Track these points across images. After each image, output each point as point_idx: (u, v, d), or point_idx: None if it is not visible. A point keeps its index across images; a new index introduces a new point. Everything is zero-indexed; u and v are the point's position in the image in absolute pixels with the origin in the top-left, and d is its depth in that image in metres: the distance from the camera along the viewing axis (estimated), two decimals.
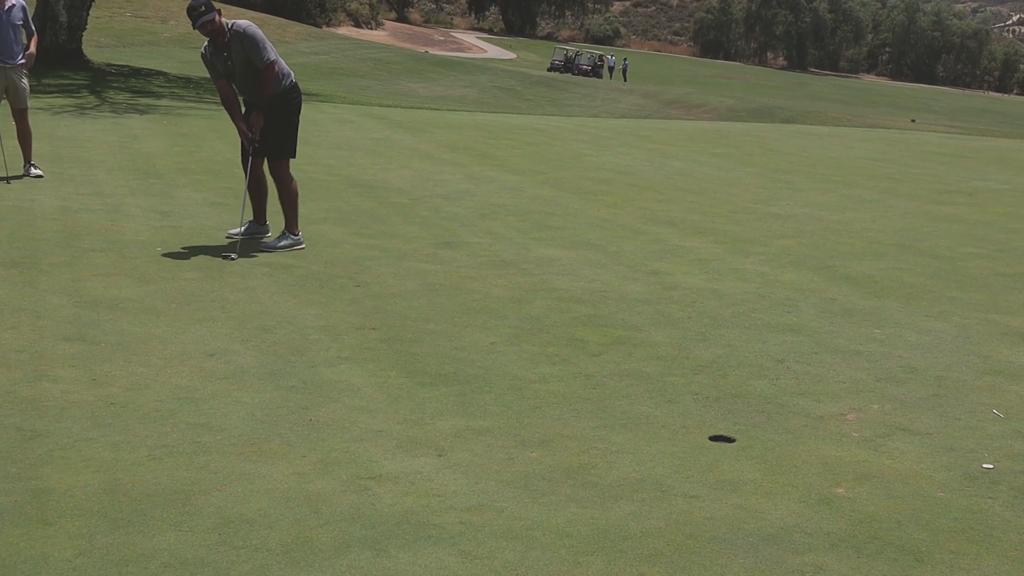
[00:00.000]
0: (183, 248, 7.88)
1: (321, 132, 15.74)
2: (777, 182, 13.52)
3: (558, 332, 6.25)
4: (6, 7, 10.09)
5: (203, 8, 7.59)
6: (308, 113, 18.95)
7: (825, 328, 6.58)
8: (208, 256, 7.66)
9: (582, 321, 6.51)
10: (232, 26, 7.79)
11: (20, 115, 10.56)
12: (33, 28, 10.69)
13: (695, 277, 7.76)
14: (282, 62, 8.11)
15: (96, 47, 32.47)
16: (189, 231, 8.50)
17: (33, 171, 10.47)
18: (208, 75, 8.14)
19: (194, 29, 7.70)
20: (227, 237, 8.28)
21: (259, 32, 7.91)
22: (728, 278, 7.81)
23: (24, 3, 10.36)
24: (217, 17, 7.69)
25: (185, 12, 7.83)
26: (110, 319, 5.98)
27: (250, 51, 7.79)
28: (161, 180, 10.87)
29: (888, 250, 9.22)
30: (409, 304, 6.67)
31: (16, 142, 10.63)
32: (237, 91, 8.06)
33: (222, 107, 8.19)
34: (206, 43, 7.91)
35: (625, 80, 66.09)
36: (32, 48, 10.47)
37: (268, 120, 8.01)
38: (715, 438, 4.69)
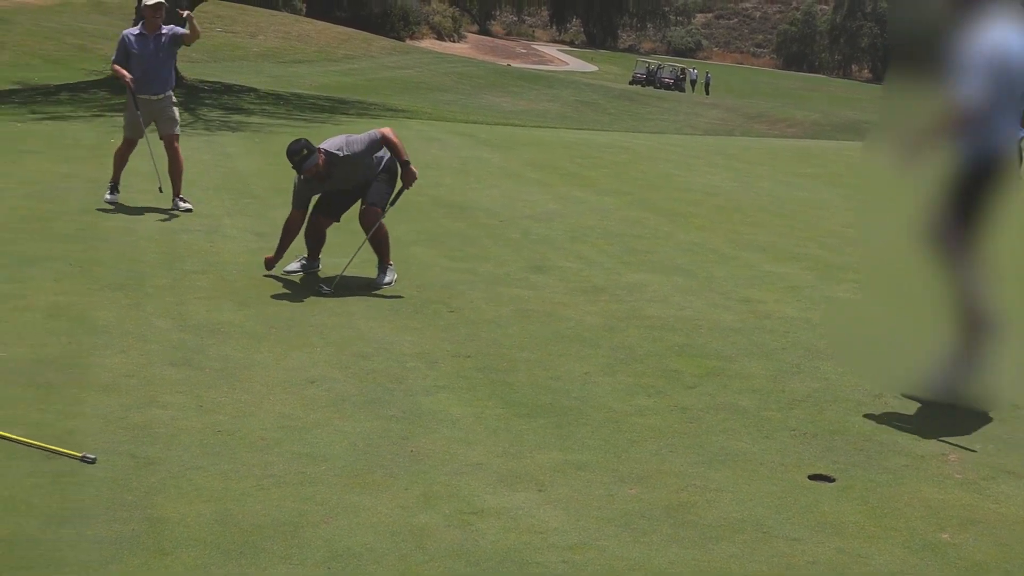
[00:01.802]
0: (280, 271, 8.03)
1: (409, 150, 15.80)
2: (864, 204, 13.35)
3: (652, 362, 6.27)
4: (157, 33, 9.82)
5: (305, 152, 7.40)
6: (395, 130, 19.20)
7: None
8: (304, 279, 7.81)
9: (676, 351, 6.52)
10: (328, 153, 7.51)
11: (170, 144, 10.20)
12: (184, 38, 10.07)
13: (788, 305, 7.71)
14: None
15: (188, 62, 33.13)
16: (287, 253, 8.65)
17: (182, 205, 10.09)
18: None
19: (299, 174, 7.55)
20: (291, 272, 7.96)
21: (352, 139, 7.70)
22: (821, 307, 7.74)
23: (177, 31, 9.95)
24: (320, 157, 7.44)
25: (287, 154, 7.51)
26: (213, 344, 6.13)
27: (362, 156, 7.65)
28: (256, 200, 11.09)
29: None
30: (503, 331, 6.73)
31: (165, 170, 10.27)
32: (339, 195, 7.91)
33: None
34: (301, 176, 7.61)
35: (708, 93, 65.69)
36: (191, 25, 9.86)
37: (372, 174, 7.87)
38: (814, 477, 4.68)
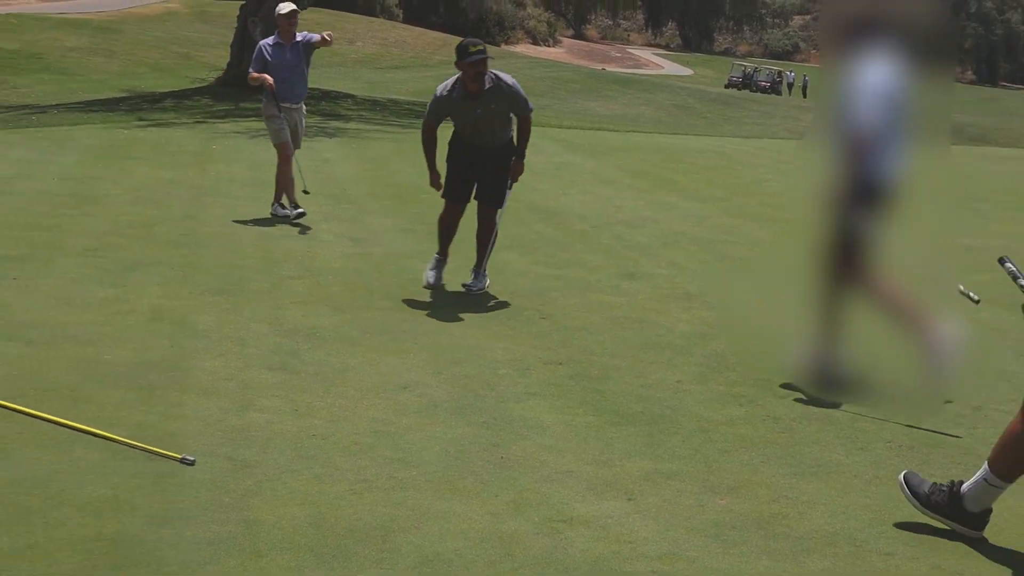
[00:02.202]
0: (374, 276, 8.15)
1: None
2: (968, 210, 13.06)
3: (744, 371, 6.21)
4: (292, 42, 9.97)
5: (482, 47, 7.45)
6: None
7: None
8: (398, 285, 7.89)
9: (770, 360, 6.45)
10: (497, 76, 7.54)
11: (288, 156, 10.18)
12: (316, 39, 10.18)
13: None
14: None
15: None
16: (380, 258, 8.79)
17: (288, 212, 10.15)
18: (428, 113, 7.71)
19: (459, 64, 7.39)
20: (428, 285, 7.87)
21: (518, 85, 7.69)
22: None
23: (311, 38, 10.09)
24: (487, 66, 7.43)
25: (458, 49, 7.47)
26: (309, 348, 6.24)
27: (516, 102, 7.60)
28: (353, 205, 11.26)
29: None
30: (595, 338, 6.74)
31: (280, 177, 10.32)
32: (470, 137, 7.76)
33: (420, 136, 7.94)
34: (449, 86, 7.57)
35: (805, 96, 64.74)
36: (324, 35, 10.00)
37: (503, 168, 7.83)
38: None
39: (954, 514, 4.15)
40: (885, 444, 5.14)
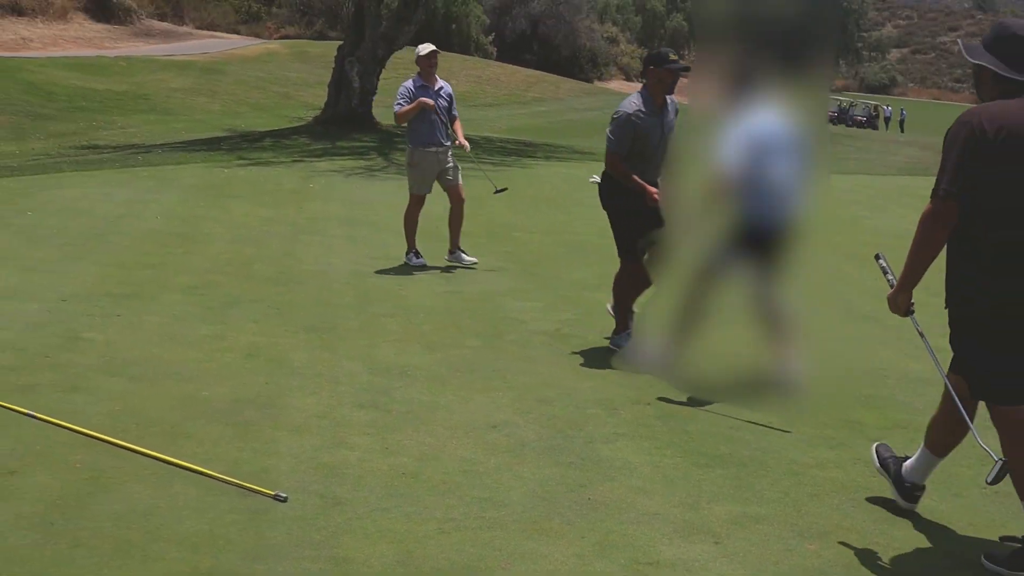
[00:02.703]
0: (465, 314, 8.24)
1: (593, 192, 16.03)
2: None
3: (835, 413, 6.15)
4: (436, 87, 9.89)
5: (678, 58, 7.03)
6: (579, 172, 19.39)
7: None
8: (489, 323, 7.97)
9: (861, 402, 6.38)
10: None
11: (457, 195, 10.13)
12: (456, 112, 10.18)
13: None
14: None
15: (383, 107, 34.31)
16: (471, 296, 8.89)
17: (465, 258, 10.09)
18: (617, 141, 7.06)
19: (656, 71, 6.98)
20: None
21: None
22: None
23: (451, 92, 10.06)
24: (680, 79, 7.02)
25: (654, 57, 7.11)
26: (400, 387, 6.34)
27: (674, 124, 7.19)
28: (444, 243, 11.37)
29: None
30: None
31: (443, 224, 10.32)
32: (644, 165, 7.11)
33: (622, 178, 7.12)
34: (637, 103, 7.05)
35: (902, 131, 63.67)
36: (460, 135, 10.02)
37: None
38: (1007, 539, 4.50)
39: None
40: (980, 490, 5.04)
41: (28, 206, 12.51)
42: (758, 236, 6.21)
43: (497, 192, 10.78)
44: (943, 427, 4.81)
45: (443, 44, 62.52)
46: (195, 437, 5.31)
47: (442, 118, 9.86)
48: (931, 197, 4.26)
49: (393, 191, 15.57)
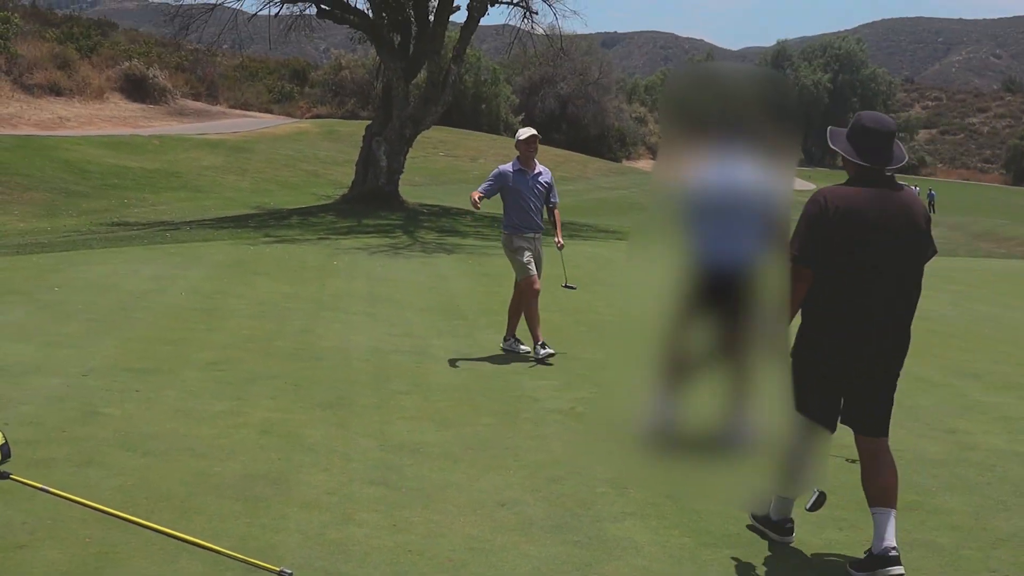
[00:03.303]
0: (481, 392, 8.28)
1: (618, 273, 16.15)
2: None
3: (845, 494, 6.10)
4: (534, 172, 9.63)
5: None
6: (606, 252, 19.52)
7: None
8: (504, 401, 8.01)
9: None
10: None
11: (536, 293, 9.63)
12: (556, 198, 9.82)
13: (997, 437, 7.41)
14: None
15: (411, 186, 34.77)
16: (488, 374, 8.93)
17: (543, 351, 9.56)
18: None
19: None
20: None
21: None
22: None
23: (550, 180, 9.76)
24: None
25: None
26: (412, 464, 6.37)
27: None
28: (465, 321, 11.48)
29: None
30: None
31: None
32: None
33: None
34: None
35: (934, 211, 63.49)
36: (559, 232, 9.80)
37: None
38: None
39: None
40: (991, 574, 5.00)
41: (56, 282, 12.72)
42: (716, 286, 6.19)
43: (565, 287, 10.72)
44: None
45: (472, 124, 63.71)
46: (205, 512, 5.35)
47: (536, 204, 9.59)
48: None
49: (417, 269, 15.77)
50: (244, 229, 20.93)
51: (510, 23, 27.11)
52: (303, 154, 42.52)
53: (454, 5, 24.64)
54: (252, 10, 23.63)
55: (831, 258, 4.97)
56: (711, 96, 5.86)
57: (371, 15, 25.32)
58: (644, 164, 79.56)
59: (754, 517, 5.55)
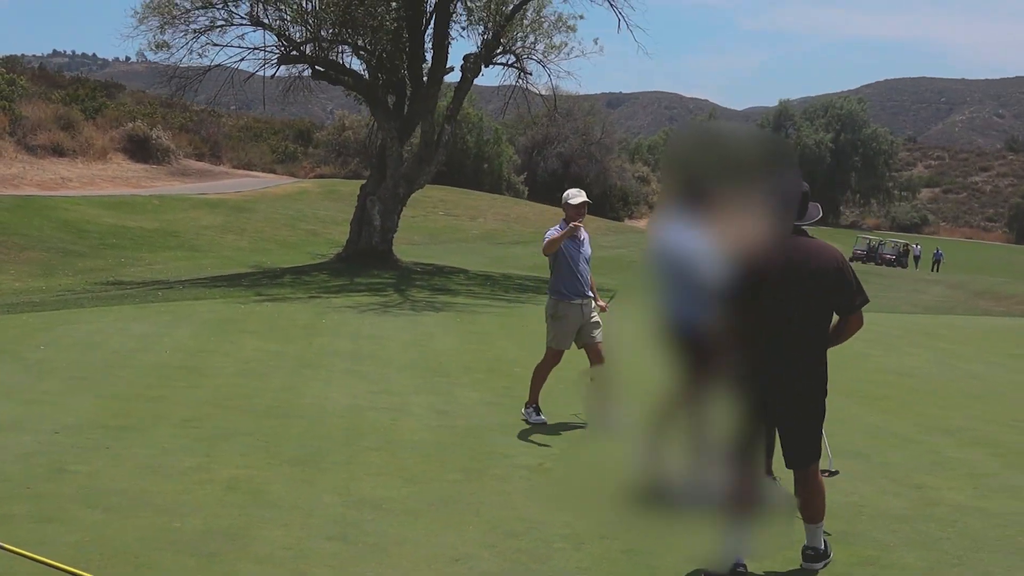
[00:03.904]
0: (452, 448, 8.32)
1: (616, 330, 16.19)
2: None
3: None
4: (580, 238, 9.32)
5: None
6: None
7: None
8: (472, 457, 8.05)
9: (832, 538, 6.36)
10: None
11: (596, 354, 9.37)
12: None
13: (961, 493, 7.43)
14: None
15: (409, 244, 34.98)
16: (462, 431, 8.97)
17: (535, 417, 9.38)
18: None
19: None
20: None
21: None
22: (1000, 495, 7.42)
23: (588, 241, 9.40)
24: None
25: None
26: (372, 519, 6.41)
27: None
28: (446, 378, 11.53)
29: None
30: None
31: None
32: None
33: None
34: None
35: (937, 271, 63.53)
36: (597, 295, 9.42)
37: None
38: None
39: None
40: None
41: (43, 340, 12.81)
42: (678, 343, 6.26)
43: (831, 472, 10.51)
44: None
45: (474, 183, 64.16)
46: (158, 567, 5.39)
47: (586, 269, 9.32)
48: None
49: (404, 326, 15.84)
50: (237, 288, 21.05)
51: (505, 83, 27.46)
52: (303, 213, 42.81)
53: (448, 66, 25.00)
54: (249, 71, 23.90)
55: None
56: (712, 155, 5.97)
57: (367, 76, 25.65)
58: (645, 223, 79.89)
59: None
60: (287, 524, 6.22)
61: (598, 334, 9.32)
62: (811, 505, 5.73)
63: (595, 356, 9.37)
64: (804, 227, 5.76)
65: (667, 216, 6.10)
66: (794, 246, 5.63)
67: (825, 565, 5.75)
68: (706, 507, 6.13)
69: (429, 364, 12.51)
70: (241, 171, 60.32)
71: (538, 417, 9.42)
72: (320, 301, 18.58)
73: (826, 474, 6.52)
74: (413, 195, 28.37)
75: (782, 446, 5.67)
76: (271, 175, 62.32)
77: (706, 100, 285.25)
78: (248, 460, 7.63)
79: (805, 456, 5.64)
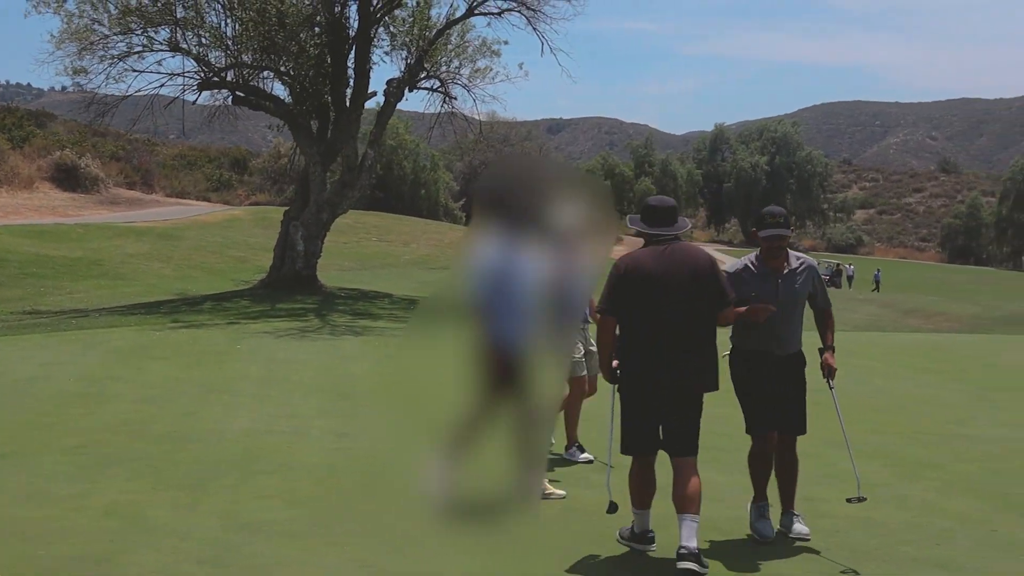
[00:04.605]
0: (345, 470, 8.21)
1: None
2: (982, 400, 12.89)
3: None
4: None
5: (783, 220, 6.70)
6: None
7: (976, 564, 6.17)
8: (364, 478, 7.94)
9: (715, 553, 6.36)
10: (801, 258, 6.85)
11: (589, 386, 8.88)
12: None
13: (850, 504, 7.44)
14: None
15: (339, 270, 34.76)
16: (357, 453, 8.86)
17: (580, 456, 8.85)
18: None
19: (759, 233, 6.71)
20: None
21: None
22: (887, 506, 7.46)
23: None
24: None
25: (759, 217, 6.76)
26: (250, 542, 6.28)
27: (819, 287, 6.97)
28: (350, 401, 11.41)
29: None
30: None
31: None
32: (758, 325, 6.70)
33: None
34: (749, 261, 6.82)
35: (878, 291, 64.14)
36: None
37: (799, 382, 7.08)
38: None
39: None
40: None
41: None
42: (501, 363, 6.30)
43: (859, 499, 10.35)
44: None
45: (411, 209, 64.02)
46: None
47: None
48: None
49: (321, 350, 15.70)
50: (154, 315, 20.75)
51: (429, 110, 27.45)
52: (232, 240, 42.42)
53: (370, 91, 24.94)
54: (172, 96, 23.63)
55: (626, 305, 6.18)
56: (523, 189, 6.17)
57: (290, 101, 25.50)
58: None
59: (621, 536, 6.38)
60: (159, 548, 6.08)
61: (591, 364, 8.72)
62: (685, 493, 6.03)
63: (590, 388, 8.92)
64: (678, 235, 6.41)
65: (485, 237, 6.21)
66: (674, 252, 6.25)
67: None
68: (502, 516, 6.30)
69: (338, 388, 12.38)
70: (173, 200, 59.73)
71: (582, 455, 8.83)
72: (238, 327, 18.37)
73: (855, 500, 6.82)
74: (346, 221, 28.20)
75: (669, 437, 6.17)
76: (205, 203, 61.78)
77: (646, 125, 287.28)
78: (133, 486, 7.47)
79: (689, 447, 6.17)
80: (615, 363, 6.28)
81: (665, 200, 6.56)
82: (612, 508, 6.39)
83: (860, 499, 6.80)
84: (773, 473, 6.96)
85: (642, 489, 6.28)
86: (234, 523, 6.66)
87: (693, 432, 6.20)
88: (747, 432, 6.95)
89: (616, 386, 6.38)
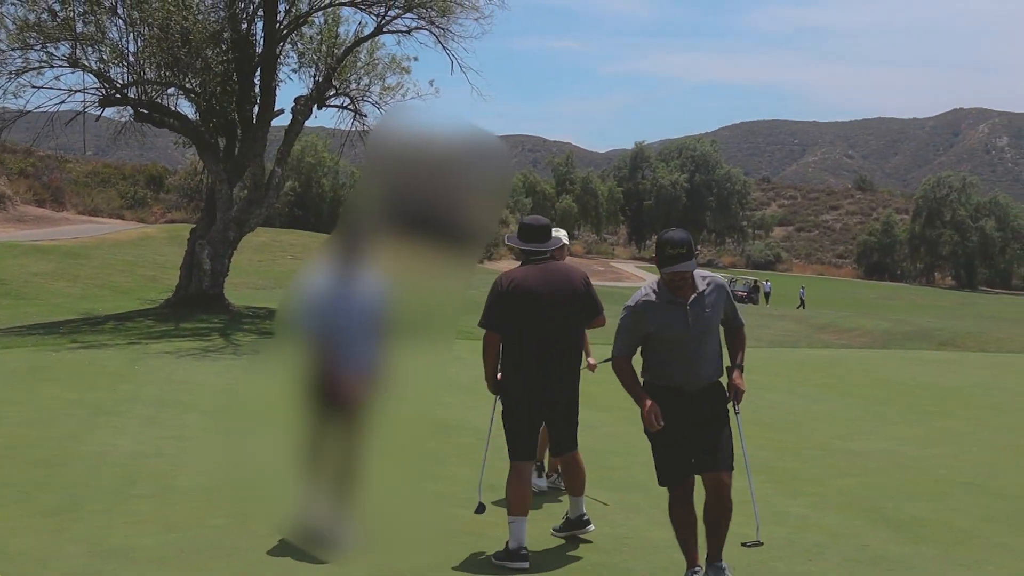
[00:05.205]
0: (227, 494, 8.07)
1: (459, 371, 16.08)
2: (869, 414, 13.11)
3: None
4: None
5: (686, 249, 5.87)
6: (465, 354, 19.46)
7: None
8: (244, 504, 7.81)
9: (588, 570, 6.37)
10: (708, 279, 6.09)
11: None
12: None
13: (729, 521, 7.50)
14: None
15: (252, 288, 34.41)
16: (243, 477, 8.73)
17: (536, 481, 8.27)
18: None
19: (661, 269, 5.91)
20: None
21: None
22: (765, 523, 7.52)
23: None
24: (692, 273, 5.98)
25: (659, 246, 5.92)
26: (114, 569, 6.15)
27: (730, 307, 6.23)
28: (247, 421, 11.25)
29: (953, 489, 8.77)
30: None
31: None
32: (675, 351, 6.02)
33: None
34: (651, 290, 6.05)
35: (803, 307, 64.85)
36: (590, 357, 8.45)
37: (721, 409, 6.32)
38: None
39: None
40: None
41: None
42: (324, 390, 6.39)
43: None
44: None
45: (331, 227, 63.27)
46: None
47: None
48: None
49: (221, 371, 15.49)
50: (52, 335, 20.31)
51: (340, 127, 27.29)
52: (143, 259, 41.74)
53: (277, 108, 24.71)
54: (75, 111, 23.17)
55: (511, 322, 6.61)
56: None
57: (196, 117, 25.20)
58: (506, 265, 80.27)
59: (496, 557, 6.48)
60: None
61: None
62: (575, 481, 7.01)
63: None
64: (551, 253, 6.99)
65: (324, 267, 6.25)
66: (553, 270, 6.82)
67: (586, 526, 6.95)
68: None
69: (235, 409, 12.21)
70: (85, 217, 58.70)
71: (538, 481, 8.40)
72: (138, 347, 18.05)
73: (752, 545, 6.28)
74: (262, 239, 27.85)
75: (554, 438, 6.99)
76: (118, 221, 60.79)
77: (568, 143, 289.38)
78: (1, 513, 7.27)
79: (569, 445, 6.95)
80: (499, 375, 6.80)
81: (539, 219, 7.07)
82: (480, 509, 6.90)
83: (757, 543, 6.27)
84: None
85: (527, 496, 6.70)
86: (101, 549, 6.52)
87: (574, 432, 6.97)
88: (661, 484, 6.19)
89: (497, 396, 6.93)
